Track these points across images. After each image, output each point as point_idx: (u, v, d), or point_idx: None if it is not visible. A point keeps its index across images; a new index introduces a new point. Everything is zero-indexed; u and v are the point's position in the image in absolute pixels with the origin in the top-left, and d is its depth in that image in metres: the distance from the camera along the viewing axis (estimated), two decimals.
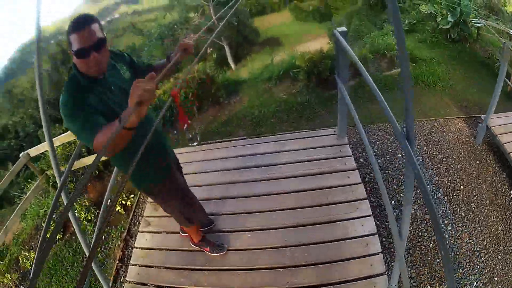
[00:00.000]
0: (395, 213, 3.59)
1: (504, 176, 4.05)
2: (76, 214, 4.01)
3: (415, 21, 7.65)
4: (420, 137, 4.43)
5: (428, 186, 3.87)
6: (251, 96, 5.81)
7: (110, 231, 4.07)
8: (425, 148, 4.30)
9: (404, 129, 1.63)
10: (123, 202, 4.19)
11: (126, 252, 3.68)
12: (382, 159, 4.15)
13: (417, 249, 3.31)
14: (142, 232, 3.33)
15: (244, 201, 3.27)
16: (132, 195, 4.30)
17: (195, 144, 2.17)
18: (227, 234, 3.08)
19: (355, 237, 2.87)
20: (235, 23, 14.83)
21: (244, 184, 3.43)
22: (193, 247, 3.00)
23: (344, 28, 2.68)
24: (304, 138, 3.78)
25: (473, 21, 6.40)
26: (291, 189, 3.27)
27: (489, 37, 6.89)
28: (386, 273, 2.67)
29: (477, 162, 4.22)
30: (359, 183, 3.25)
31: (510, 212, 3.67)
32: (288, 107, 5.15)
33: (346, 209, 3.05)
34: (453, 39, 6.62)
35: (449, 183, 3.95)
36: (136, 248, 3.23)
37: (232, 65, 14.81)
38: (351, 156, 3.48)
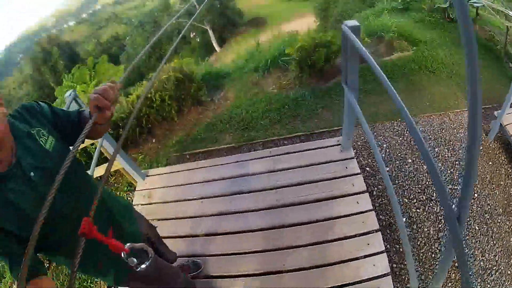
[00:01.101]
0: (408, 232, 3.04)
1: None
2: None
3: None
4: (431, 136, 3.82)
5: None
6: (237, 91, 5.07)
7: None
8: (436, 149, 3.70)
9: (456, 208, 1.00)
10: None
11: None
12: (391, 166, 3.54)
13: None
14: None
15: (236, 238, 2.65)
16: None
17: (145, 265, 1.35)
18: (219, 281, 2.47)
19: (365, 280, 2.31)
20: (217, 6, 13.77)
21: (235, 216, 2.79)
22: None
23: (355, 22, 1.93)
24: (301, 151, 3.10)
25: (472, 1, 5.67)
26: (290, 222, 2.65)
27: (488, 17, 6.20)
28: None
29: (490, 163, 3.72)
30: (371, 210, 2.64)
31: None
32: (280, 104, 4.43)
33: (355, 245, 2.49)
34: (451, 19, 5.90)
35: None
36: None
37: (217, 48, 13.92)
38: (359, 174, 2.86)
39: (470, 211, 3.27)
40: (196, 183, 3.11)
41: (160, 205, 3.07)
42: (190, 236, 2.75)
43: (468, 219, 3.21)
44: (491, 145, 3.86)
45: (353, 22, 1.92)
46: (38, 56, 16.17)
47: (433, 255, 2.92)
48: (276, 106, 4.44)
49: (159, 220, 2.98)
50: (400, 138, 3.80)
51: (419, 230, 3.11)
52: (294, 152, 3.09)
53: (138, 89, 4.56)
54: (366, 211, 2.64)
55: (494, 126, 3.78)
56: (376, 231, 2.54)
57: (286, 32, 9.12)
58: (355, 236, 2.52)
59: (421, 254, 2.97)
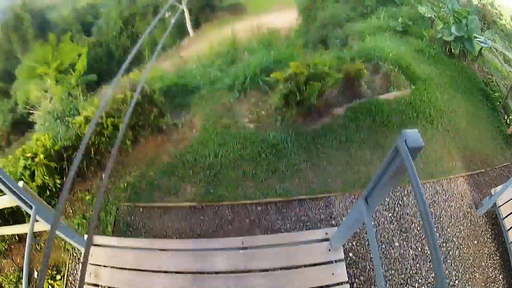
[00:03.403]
0: None
1: (497, 258, 3.33)
2: None
3: (410, 22, 6.18)
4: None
5: None
6: (206, 117, 4.29)
7: None
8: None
9: None
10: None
11: None
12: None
13: None
14: None
15: None
16: (59, 277, 3.01)
17: None
18: None
19: None
20: None
21: None
22: None
23: (417, 139, 1.21)
24: (281, 246, 2.41)
25: (478, 40, 5.12)
26: None
27: (490, 57, 5.70)
28: None
29: (475, 242, 3.44)
30: None
31: None
32: (256, 151, 3.78)
33: None
34: (452, 54, 5.31)
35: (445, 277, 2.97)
36: None
37: (191, 32, 12.59)
38: (347, 283, 2.24)
39: None
40: (149, 271, 2.37)
41: None
42: None
43: None
44: (478, 221, 3.50)
45: (415, 140, 1.21)
46: (10, 23, 13.76)
47: None
48: (251, 152, 3.77)
49: None
50: (390, 215, 3.23)
51: None
52: (273, 246, 2.39)
53: (87, 108, 3.58)
54: None
55: (486, 203, 3.53)
56: None
57: (266, 28, 8.17)
58: None
59: None
